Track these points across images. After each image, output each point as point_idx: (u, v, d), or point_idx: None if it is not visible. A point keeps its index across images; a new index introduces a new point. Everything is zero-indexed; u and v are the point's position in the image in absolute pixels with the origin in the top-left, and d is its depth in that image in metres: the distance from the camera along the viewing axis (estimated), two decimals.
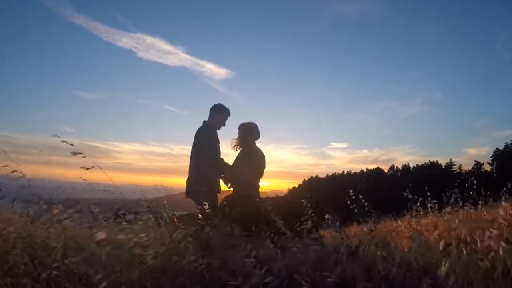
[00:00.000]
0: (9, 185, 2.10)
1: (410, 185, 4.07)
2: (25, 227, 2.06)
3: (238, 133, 3.46)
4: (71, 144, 1.78)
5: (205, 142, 3.21)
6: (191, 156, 3.28)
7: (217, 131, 3.37)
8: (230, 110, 3.42)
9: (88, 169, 1.81)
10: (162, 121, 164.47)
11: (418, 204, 3.65)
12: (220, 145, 3.38)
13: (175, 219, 2.33)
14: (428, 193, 3.71)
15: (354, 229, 5.01)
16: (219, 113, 3.37)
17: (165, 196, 2.58)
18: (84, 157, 1.79)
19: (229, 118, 3.45)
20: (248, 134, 3.42)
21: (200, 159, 3.18)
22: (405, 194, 3.69)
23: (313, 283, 1.56)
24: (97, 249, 1.33)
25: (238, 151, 3.46)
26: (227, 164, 3.34)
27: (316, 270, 1.71)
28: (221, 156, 3.34)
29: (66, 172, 1.93)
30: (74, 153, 1.77)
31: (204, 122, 3.35)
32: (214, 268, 1.61)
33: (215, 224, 2.32)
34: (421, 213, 3.56)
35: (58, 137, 1.80)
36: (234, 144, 3.47)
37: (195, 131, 3.31)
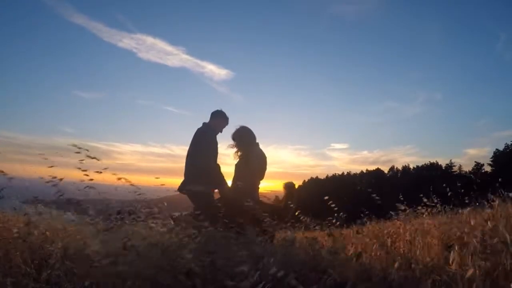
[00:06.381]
0: (9, 186, 2.11)
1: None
2: (26, 227, 2.06)
3: (235, 144, 3.42)
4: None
5: (204, 143, 3.23)
6: (187, 155, 3.30)
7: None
8: (230, 111, 3.48)
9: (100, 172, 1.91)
10: (162, 121, 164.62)
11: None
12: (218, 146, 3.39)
13: (171, 219, 2.33)
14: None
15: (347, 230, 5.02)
16: (221, 119, 3.41)
17: (164, 197, 2.58)
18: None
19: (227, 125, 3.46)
20: (246, 140, 3.39)
21: (198, 159, 3.19)
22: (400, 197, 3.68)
23: (310, 284, 1.55)
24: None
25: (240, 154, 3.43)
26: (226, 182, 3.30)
27: (312, 271, 1.70)
28: (219, 156, 3.34)
29: (66, 173, 1.93)
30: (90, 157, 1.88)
31: (204, 123, 3.37)
32: (212, 267, 1.61)
33: (212, 223, 2.32)
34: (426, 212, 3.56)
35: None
36: (235, 153, 3.43)
37: (195, 131, 3.33)
